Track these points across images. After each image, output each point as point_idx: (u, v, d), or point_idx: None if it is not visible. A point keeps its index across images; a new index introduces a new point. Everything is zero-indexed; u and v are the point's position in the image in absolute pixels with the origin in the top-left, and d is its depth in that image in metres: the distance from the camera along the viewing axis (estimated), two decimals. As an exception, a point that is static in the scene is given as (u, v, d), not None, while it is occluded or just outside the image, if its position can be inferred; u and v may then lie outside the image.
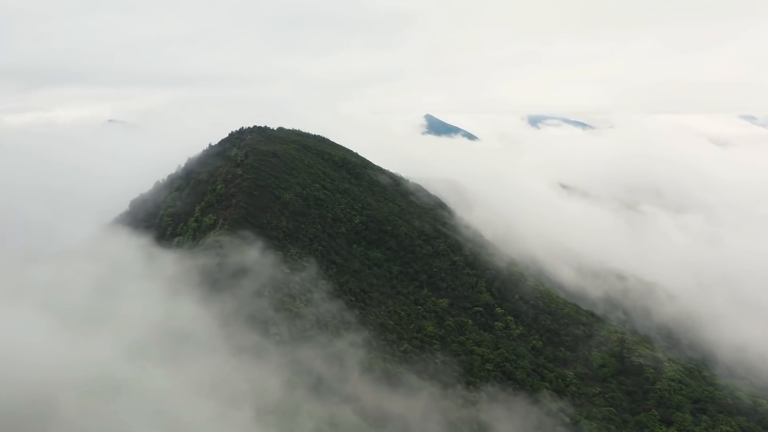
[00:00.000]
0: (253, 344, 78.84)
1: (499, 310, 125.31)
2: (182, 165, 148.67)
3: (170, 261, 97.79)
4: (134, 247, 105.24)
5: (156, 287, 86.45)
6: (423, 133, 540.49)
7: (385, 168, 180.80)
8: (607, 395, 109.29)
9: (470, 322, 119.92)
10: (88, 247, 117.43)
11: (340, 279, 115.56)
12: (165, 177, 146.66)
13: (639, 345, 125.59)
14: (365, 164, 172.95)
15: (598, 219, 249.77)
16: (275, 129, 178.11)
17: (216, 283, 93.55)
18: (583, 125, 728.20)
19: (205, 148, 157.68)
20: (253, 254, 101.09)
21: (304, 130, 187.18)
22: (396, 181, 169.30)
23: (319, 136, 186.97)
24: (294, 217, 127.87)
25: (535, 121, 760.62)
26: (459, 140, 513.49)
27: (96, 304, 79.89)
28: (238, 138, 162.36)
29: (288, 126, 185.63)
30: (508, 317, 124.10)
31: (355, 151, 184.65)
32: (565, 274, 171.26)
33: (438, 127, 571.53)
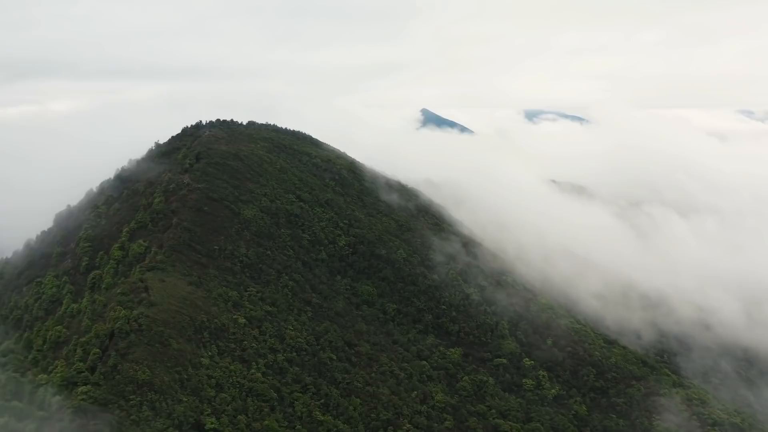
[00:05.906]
0: None
1: (528, 361, 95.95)
2: (119, 170, 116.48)
3: None
4: None
5: None
6: (418, 128, 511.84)
7: (380, 169, 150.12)
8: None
9: (491, 380, 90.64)
10: None
11: (316, 328, 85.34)
12: (97, 185, 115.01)
13: (708, 405, 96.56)
14: (354, 166, 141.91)
15: (610, 227, 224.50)
16: (244, 124, 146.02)
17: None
18: (580, 120, 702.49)
19: (150, 148, 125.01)
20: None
21: (296, 128, 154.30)
22: (392, 187, 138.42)
23: (298, 132, 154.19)
24: (257, 241, 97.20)
25: (531, 116, 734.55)
26: (455, 135, 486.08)
27: None
28: (192, 135, 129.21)
29: (280, 122, 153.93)
30: (541, 372, 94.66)
31: (343, 150, 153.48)
32: (591, 299, 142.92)
33: (434, 122, 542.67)
